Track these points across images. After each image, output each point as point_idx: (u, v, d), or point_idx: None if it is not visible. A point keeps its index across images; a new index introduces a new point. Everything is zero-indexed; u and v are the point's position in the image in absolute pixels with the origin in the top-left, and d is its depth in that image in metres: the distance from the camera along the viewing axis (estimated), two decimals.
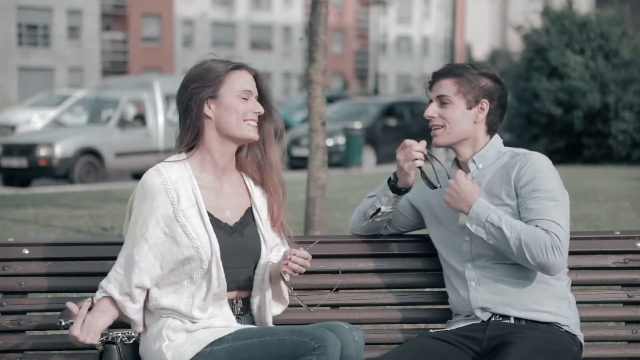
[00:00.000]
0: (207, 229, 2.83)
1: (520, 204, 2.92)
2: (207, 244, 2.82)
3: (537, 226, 2.85)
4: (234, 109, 2.87)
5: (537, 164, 2.94)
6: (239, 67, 2.92)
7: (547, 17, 20.58)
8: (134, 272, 2.81)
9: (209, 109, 2.88)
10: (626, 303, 3.20)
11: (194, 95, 2.86)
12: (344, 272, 3.19)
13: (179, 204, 2.81)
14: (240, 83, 2.90)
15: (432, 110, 3.04)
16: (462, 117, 3.02)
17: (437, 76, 3.07)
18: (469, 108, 3.02)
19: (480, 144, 3.04)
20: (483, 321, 2.96)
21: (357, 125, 19.27)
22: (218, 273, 2.82)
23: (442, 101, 3.03)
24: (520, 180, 2.93)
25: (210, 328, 2.80)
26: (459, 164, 3.10)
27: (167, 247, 2.81)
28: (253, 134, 2.91)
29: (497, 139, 3.08)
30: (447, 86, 3.03)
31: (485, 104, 3.03)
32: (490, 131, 3.06)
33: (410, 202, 3.20)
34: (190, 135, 2.88)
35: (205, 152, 2.90)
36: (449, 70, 3.05)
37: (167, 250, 2.81)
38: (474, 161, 3.03)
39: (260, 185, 3.00)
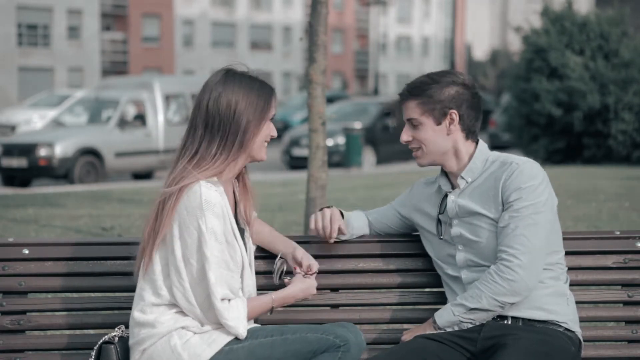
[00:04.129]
0: (237, 240, 2.86)
1: (502, 214, 2.93)
2: (241, 251, 2.88)
3: (496, 261, 2.89)
4: (263, 134, 2.89)
5: (524, 174, 2.91)
6: (274, 92, 2.93)
7: (546, 17, 20.56)
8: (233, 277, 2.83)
9: None
10: (626, 303, 3.20)
11: (249, 124, 2.83)
12: (344, 272, 3.19)
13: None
14: (273, 110, 2.92)
15: (406, 135, 3.03)
16: (434, 135, 3.00)
17: (402, 99, 3.05)
18: (439, 124, 2.99)
19: (462, 152, 3.02)
20: (481, 322, 2.96)
21: (357, 125, 19.28)
22: (251, 277, 2.93)
23: (413, 124, 3.01)
24: (507, 190, 2.92)
25: (223, 328, 2.80)
26: (446, 175, 3.09)
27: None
28: (266, 155, 2.94)
29: (482, 145, 3.05)
30: (412, 108, 3.01)
31: (455, 114, 2.99)
32: (470, 135, 3.02)
33: (400, 213, 3.22)
34: (232, 157, 2.84)
35: (227, 170, 2.88)
36: (410, 92, 3.01)
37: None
38: (462, 177, 3.02)
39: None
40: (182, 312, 2.81)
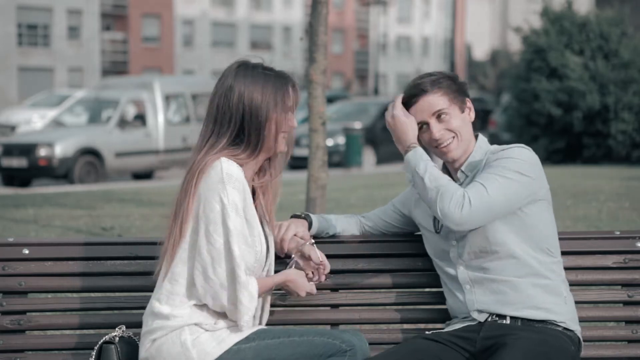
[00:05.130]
0: (255, 221, 2.87)
1: None
2: (260, 237, 2.87)
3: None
4: (280, 124, 2.85)
5: (512, 152, 2.92)
6: (294, 83, 2.89)
7: (546, 17, 20.57)
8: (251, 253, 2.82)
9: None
10: (626, 303, 3.20)
11: (268, 112, 2.82)
12: (344, 272, 3.20)
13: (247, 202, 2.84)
14: (290, 102, 2.88)
15: (439, 132, 2.97)
16: (462, 122, 3.00)
17: (421, 95, 2.98)
18: (462, 111, 3.01)
19: (470, 144, 3.03)
20: (479, 322, 2.96)
21: (357, 125, 19.28)
22: (268, 272, 2.92)
23: (439, 115, 2.98)
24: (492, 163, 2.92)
25: (234, 327, 2.81)
26: (447, 169, 3.08)
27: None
28: (285, 147, 2.90)
29: (481, 140, 3.05)
30: (437, 100, 2.96)
31: (469, 102, 3.03)
32: (473, 128, 3.05)
33: (401, 211, 3.22)
34: (253, 148, 2.83)
35: (247, 167, 2.86)
36: (431, 84, 2.97)
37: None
38: (462, 171, 3.02)
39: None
40: (197, 307, 2.81)
